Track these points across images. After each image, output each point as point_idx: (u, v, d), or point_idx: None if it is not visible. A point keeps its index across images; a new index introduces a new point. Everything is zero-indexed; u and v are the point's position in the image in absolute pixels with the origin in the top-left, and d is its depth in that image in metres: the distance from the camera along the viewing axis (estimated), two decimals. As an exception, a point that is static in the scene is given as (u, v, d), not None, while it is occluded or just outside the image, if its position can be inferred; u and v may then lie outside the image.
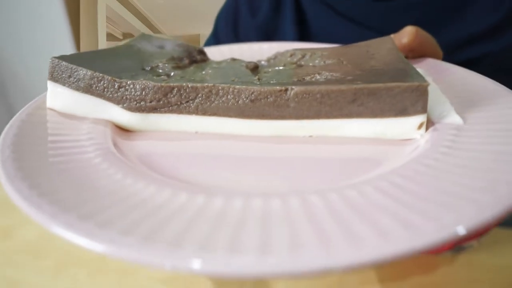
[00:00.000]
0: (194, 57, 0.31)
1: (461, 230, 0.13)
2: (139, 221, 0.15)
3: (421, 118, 0.22)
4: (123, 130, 0.25)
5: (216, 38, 0.55)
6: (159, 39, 0.32)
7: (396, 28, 0.34)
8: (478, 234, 0.22)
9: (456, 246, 0.24)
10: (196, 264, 0.12)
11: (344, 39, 0.39)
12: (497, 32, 0.44)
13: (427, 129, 0.23)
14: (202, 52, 0.33)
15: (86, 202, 0.16)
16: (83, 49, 1.18)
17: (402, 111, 0.22)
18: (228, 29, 0.54)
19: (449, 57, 0.34)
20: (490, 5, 0.43)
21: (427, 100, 0.22)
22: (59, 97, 0.25)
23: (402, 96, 0.22)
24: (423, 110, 0.22)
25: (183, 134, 0.24)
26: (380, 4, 0.46)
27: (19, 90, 1.39)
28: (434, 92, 0.24)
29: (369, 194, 0.16)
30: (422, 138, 0.22)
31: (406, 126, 0.22)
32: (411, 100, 0.22)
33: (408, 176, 0.17)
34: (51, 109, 0.25)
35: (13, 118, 0.23)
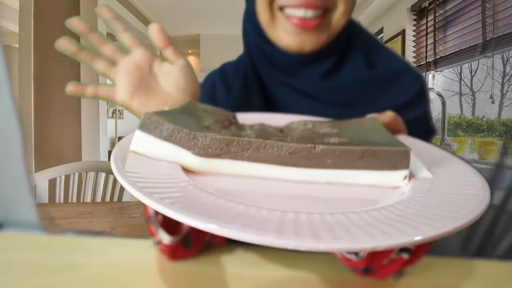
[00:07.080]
0: (231, 120, 0.41)
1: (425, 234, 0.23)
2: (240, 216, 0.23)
3: (406, 172, 0.32)
4: (187, 171, 0.33)
5: None
6: (202, 105, 0.42)
7: (348, 101, 0.47)
8: (413, 260, 0.28)
9: (399, 271, 0.29)
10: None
11: (307, 114, 0.48)
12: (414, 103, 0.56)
13: (410, 179, 0.33)
14: (234, 117, 0.42)
15: (214, 215, 0.23)
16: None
17: (393, 167, 0.32)
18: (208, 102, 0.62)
19: None
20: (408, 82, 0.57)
21: (409, 159, 0.32)
22: (143, 143, 0.33)
23: (394, 156, 0.32)
24: (407, 166, 0.32)
25: (237, 176, 0.33)
26: (329, 81, 0.55)
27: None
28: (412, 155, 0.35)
29: (375, 216, 0.25)
30: (406, 186, 0.32)
31: (396, 177, 0.33)
32: (399, 159, 0.32)
33: (399, 208, 0.27)
34: (133, 152, 0.33)
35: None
